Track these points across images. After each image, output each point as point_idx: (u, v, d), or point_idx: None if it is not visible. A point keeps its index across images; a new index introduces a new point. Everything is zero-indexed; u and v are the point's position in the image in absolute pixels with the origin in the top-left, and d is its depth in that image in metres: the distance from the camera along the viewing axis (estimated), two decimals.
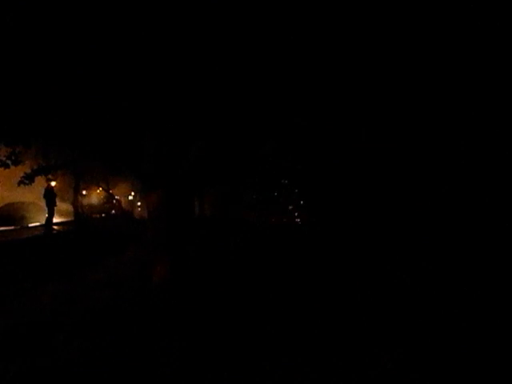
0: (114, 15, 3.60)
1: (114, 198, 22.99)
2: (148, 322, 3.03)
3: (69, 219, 18.22)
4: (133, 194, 26.24)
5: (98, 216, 23.46)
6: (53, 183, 18.68)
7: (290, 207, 11.75)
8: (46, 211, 12.66)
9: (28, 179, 14.83)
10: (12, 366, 2.26)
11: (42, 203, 17.76)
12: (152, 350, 2.45)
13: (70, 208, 18.77)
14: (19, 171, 14.27)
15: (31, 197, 18.92)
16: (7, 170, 12.29)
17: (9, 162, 12.09)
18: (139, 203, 25.47)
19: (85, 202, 21.48)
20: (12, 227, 14.78)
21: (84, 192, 21.36)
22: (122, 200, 25.72)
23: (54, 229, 12.64)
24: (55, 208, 13.02)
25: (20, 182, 15.13)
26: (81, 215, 18.48)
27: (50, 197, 12.61)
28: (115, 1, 3.54)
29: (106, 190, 21.14)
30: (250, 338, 2.62)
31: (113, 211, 25.70)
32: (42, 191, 13.55)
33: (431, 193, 7.08)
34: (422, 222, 6.76)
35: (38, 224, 15.63)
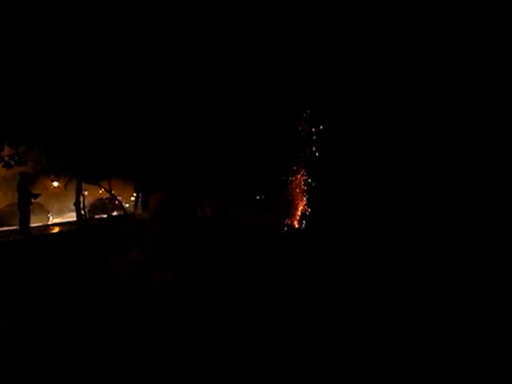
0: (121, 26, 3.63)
1: (117, 199, 23.01)
2: (148, 323, 3.03)
3: (70, 220, 18.27)
4: (135, 194, 26.25)
5: (100, 217, 23.48)
6: (56, 183, 18.76)
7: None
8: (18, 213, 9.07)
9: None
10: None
11: (44, 203, 17.84)
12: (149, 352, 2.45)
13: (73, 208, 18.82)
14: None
15: None
16: (10, 170, 12.35)
17: (12, 162, 12.16)
18: (139, 203, 25.44)
19: (87, 202, 21.47)
20: (14, 227, 14.82)
21: (86, 193, 21.38)
22: (124, 201, 25.77)
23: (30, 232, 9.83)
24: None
25: None
26: (83, 216, 18.50)
27: (22, 194, 9.02)
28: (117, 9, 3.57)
29: (108, 191, 21.16)
30: (250, 341, 2.61)
31: (115, 212, 25.72)
32: (45, 192, 11.69)
33: (431, 195, 7.09)
34: (421, 224, 6.76)
35: (40, 224, 15.70)
